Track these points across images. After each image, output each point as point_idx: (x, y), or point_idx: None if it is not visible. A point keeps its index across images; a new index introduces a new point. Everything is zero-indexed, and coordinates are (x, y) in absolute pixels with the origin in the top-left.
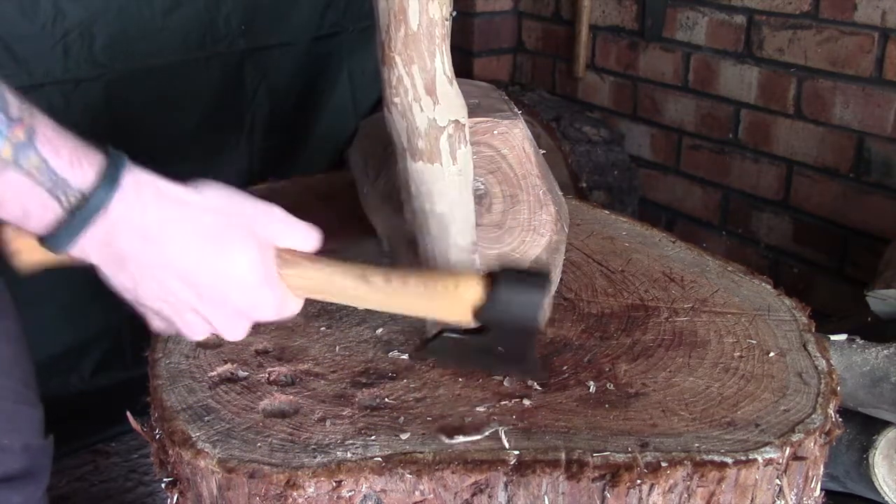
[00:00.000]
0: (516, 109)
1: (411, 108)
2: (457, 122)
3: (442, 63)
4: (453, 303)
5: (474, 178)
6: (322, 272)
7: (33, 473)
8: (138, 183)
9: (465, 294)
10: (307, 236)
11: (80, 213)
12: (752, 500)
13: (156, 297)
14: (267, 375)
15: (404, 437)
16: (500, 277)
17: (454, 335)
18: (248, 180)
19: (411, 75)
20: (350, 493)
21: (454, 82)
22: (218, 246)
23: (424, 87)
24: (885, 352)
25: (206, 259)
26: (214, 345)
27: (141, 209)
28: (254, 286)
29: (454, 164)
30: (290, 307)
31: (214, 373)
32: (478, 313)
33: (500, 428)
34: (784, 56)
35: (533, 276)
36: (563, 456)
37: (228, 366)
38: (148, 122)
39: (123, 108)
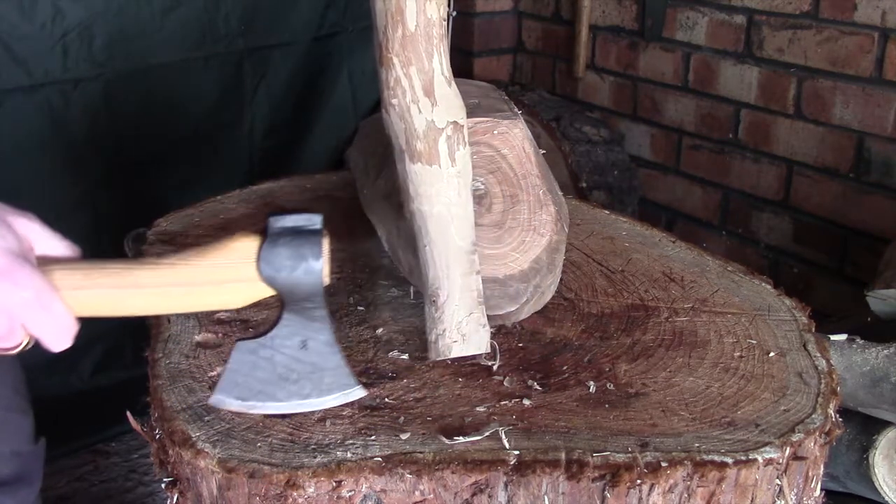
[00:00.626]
0: (516, 109)
1: (409, 110)
2: (455, 123)
3: (440, 64)
4: (234, 264)
5: (474, 178)
6: (87, 275)
7: (24, 478)
8: None
9: (242, 250)
10: (65, 244)
11: None
12: (752, 500)
13: None
14: None
15: (404, 437)
16: (270, 226)
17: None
18: (247, 180)
19: (409, 76)
20: (350, 493)
21: (453, 83)
22: None
23: (422, 88)
24: (885, 352)
25: None
26: (215, 345)
27: None
28: None
29: (453, 165)
30: (57, 306)
31: (214, 373)
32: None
33: (500, 428)
34: (784, 56)
35: (305, 225)
36: (563, 456)
37: None
38: (147, 122)
39: (122, 107)
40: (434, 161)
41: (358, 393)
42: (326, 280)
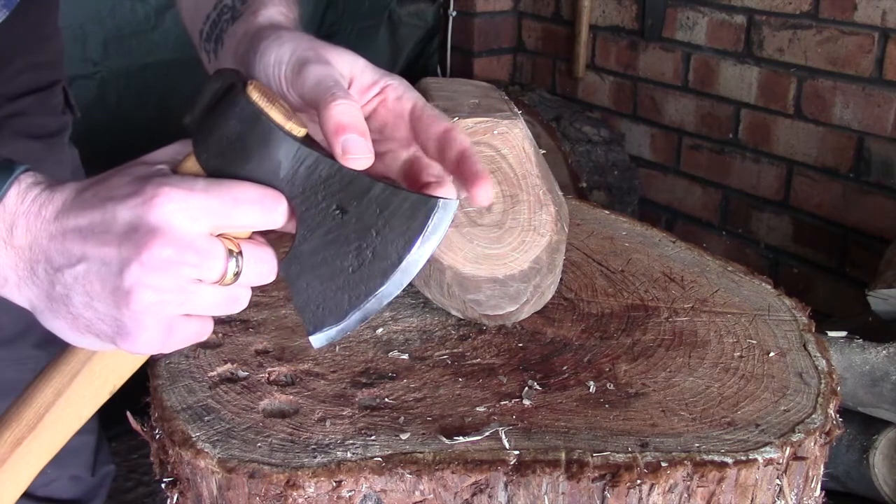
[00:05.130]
0: (516, 109)
1: None
2: None
3: None
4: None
5: None
6: None
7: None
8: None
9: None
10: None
11: None
12: (752, 500)
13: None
14: (267, 375)
15: (404, 437)
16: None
17: None
18: None
19: None
20: (350, 493)
21: None
22: None
23: None
24: (884, 351)
25: None
26: (215, 344)
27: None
28: None
29: None
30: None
31: (214, 373)
32: None
33: (500, 428)
34: (784, 56)
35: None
36: (563, 456)
37: (228, 366)
38: (142, 121)
39: (117, 106)
40: None
41: (450, 200)
42: (294, 130)
